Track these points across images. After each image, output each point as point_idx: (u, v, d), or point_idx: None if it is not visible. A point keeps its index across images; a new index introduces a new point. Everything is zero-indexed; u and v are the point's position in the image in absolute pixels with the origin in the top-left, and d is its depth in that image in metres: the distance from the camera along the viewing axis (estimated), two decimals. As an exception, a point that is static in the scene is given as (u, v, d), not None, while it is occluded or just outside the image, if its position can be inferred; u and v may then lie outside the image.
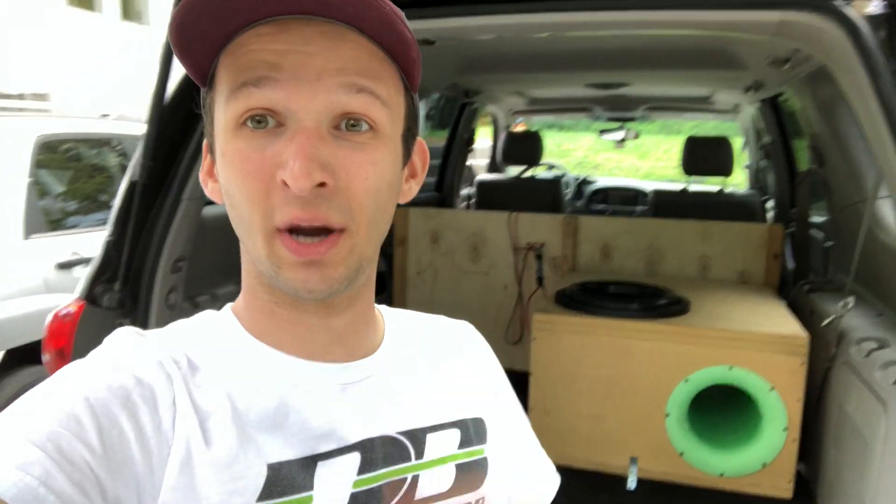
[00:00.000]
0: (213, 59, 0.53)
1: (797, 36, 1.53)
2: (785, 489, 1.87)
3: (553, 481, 0.76)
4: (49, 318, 1.70)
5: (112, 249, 1.69)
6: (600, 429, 2.02)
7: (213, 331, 0.59)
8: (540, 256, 2.76)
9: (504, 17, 1.65)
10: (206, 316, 0.62)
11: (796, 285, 2.47)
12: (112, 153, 4.23)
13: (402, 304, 3.05)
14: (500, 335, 2.89)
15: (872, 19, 1.40)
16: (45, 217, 3.45)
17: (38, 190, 3.45)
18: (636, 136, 4.81)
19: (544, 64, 2.94)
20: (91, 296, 1.68)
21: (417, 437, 0.61)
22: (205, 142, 0.59)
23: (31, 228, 3.27)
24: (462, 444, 0.64)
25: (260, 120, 0.50)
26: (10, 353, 2.87)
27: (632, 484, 1.93)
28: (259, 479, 0.52)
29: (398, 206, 0.60)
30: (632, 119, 4.64)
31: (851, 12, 1.40)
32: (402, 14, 0.56)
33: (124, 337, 0.56)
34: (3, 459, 0.43)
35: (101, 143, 4.20)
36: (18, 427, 0.46)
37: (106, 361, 0.53)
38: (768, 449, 1.84)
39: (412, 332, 0.69)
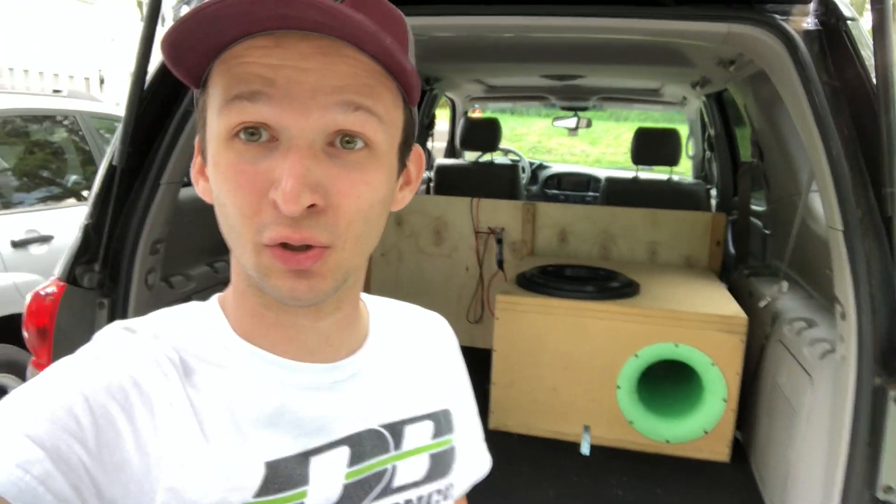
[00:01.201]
0: (206, 65, 0.52)
1: (742, 46, 1.68)
2: (723, 453, 2.06)
3: (485, 468, 0.80)
4: (29, 297, 1.73)
5: (91, 232, 1.73)
6: (558, 400, 2.17)
7: (203, 329, 0.59)
8: (500, 240, 2.89)
9: (466, 19, 1.75)
10: (193, 311, 0.61)
11: (737, 269, 2.67)
12: (63, 129, 4.16)
13: (368, 286, 3.11)
14: (461, 315, 3.02)
15: (808, 34, 1.56)
16: (-3, 195, 3.40)
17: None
18: (588, 125, 4.98)
19: (503, 55, 3.05)
20: (71, 276, 1.72)
21: (397, 429, 0.63)
22: (196, 139, 0.58)
23: (-17, 207, 3.22)
24: (435, 435, 0.67)
25: (253, 132, 0.49)
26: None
27: (585, 449, 2.09)
28: (257, 477, 0.53)
29: None
30: (584, 108, 4.81)
31: (790, 27, 1.55)
32: (406, 35, 0.56)
33: (116, 334, 0.56)
34: (3, 457, 0.43)
35: (53, 119, 4.11)
36: (18, 422, 0.45)
37: (102, 359, 0.52)
38: (709, 418, 2.03)
39: (393, 324, 0.70)
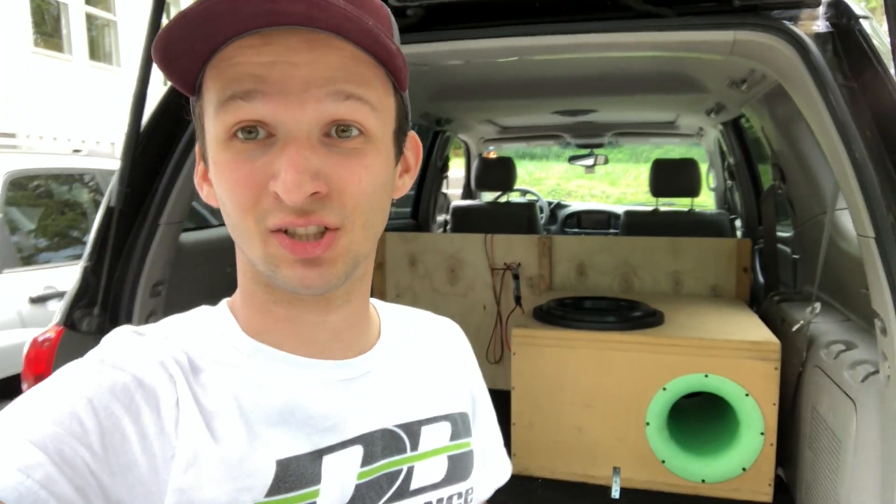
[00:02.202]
0: (199, 70, 0.53)
1: (751, 55, 1.61)
2: (765, 493, 1.90)
3: (505, 475, 0.80)
4: (27, 344, 1.68)
5: (90, 275, 1.69)
6: (583, 440, 2.03)
7: (211, 330, 0.59)
8: (517, 276, 2.80)
9: (471, 43, 1.71)
10: (202, 313, 0.61)
11: (767, 297, 2.54)
12: (84, 189, 4.20)
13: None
14: (480, 355, 2.89)
15: (819, 37, 1.49)
16: (18, 253, 3.42)
17: (9, 226, 3.41)
18: (605, 162, 4.92)
19: (513, 91, 3.02)
20: (70, 321, 1.67)
21: (413, 429, 0.63)
22: (197, 147, 0.59)
23: (3, 264, 3.23)
24: (453, 437, 0.66)
25: (250, 131, 0.51)
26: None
27: (615, 493, 1.94)
28: (268, 475, 0.52)
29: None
30: (600, 145, 4.76)
31: (799, 31, 1.49)
32: (388, 23, 0.57)
33: (123, 336, 0.56)
34: (4, 461, 0.43)
35: (73, 178, 4.16)
36: (20, 428, 0.45)
37: (107, 362, 0.52)
38: (747, 454, 1.88)
39: (405, 327, 0.70)
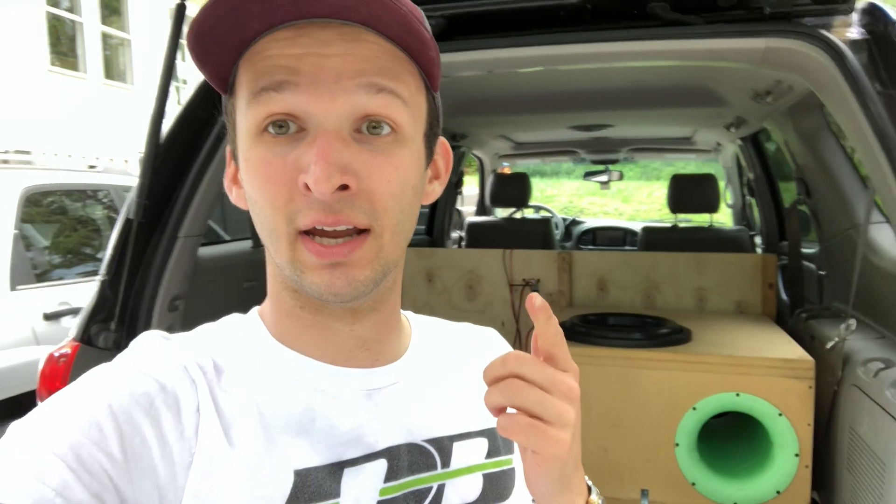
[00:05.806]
0: (232, 65, 0.53)
1: (783, 63, 1.57)
2: (800, 517, 1.83)
3: None
4: (43, 360, 1.65)
5: (107, 289, 1.66)
6: (609, 461, 1.97)
7: (239, 335, 0.59)
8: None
9: (495, 52, 1.68)
10: (232, 319, 0.61)
11: (794, 314, 2.47)
12: (98, 205, 4.20)
13: (398, 346, 2.99)
14: None
15: (854, 44, 1.45)
16: (33, 269, 3.40)
17: (24, 242, 3.40)
18: (620, 178, 4.88)
19: (530, 105, 2.99)
20: (86, 336, 1.64)
21: (444, 445, 0.60)
22: (228, 148, 0.58)
23: (18, 280, 3.21)
24: (490, 454, 0.63)
25: (281, 125, 0.50)
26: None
27: None
28: (286, 485, 0.51)
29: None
30: (615, 161, 4.72)
31: (834, 38, 1.45)
32: (420, 13, 0.56)
33: (150, 341, 0.56)
34: (21, 469, 0.43)
35: (87, 194, 4.16)
36: (39, 433, 0.45)
37: (130, 366, 0.52)
38: (781, 476, 1.81)
39: (438, 338, 0.68)
